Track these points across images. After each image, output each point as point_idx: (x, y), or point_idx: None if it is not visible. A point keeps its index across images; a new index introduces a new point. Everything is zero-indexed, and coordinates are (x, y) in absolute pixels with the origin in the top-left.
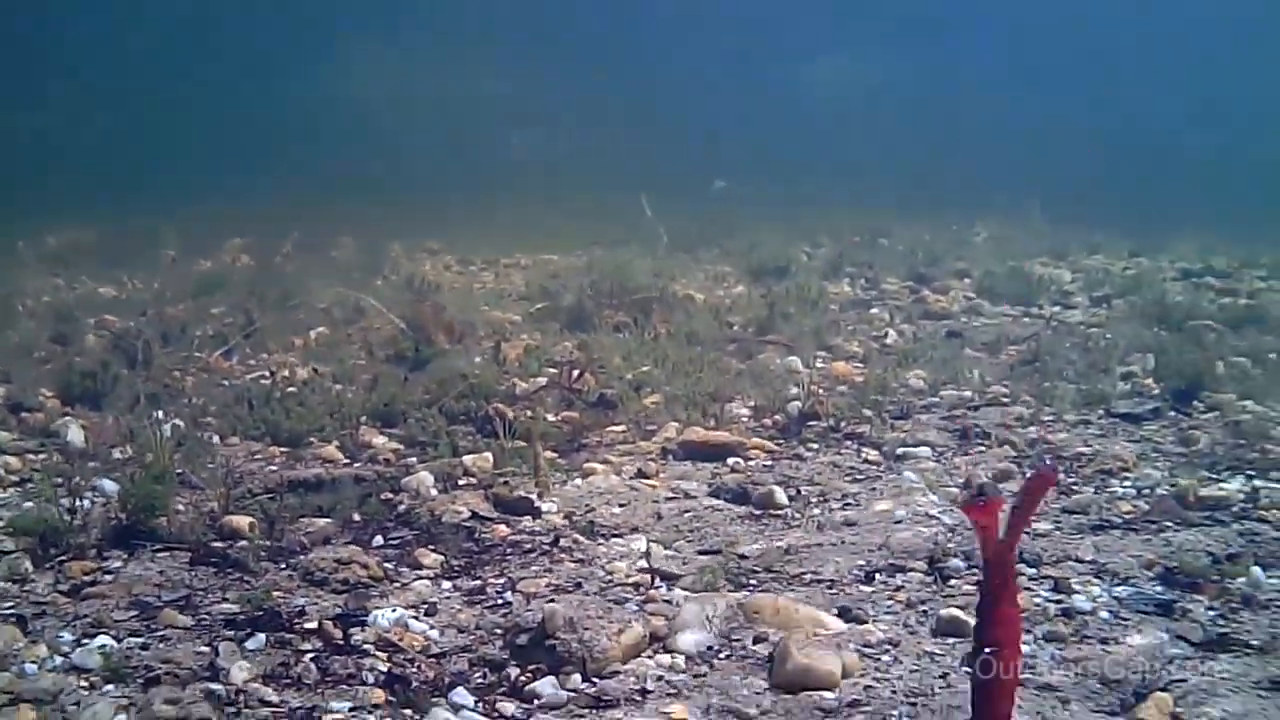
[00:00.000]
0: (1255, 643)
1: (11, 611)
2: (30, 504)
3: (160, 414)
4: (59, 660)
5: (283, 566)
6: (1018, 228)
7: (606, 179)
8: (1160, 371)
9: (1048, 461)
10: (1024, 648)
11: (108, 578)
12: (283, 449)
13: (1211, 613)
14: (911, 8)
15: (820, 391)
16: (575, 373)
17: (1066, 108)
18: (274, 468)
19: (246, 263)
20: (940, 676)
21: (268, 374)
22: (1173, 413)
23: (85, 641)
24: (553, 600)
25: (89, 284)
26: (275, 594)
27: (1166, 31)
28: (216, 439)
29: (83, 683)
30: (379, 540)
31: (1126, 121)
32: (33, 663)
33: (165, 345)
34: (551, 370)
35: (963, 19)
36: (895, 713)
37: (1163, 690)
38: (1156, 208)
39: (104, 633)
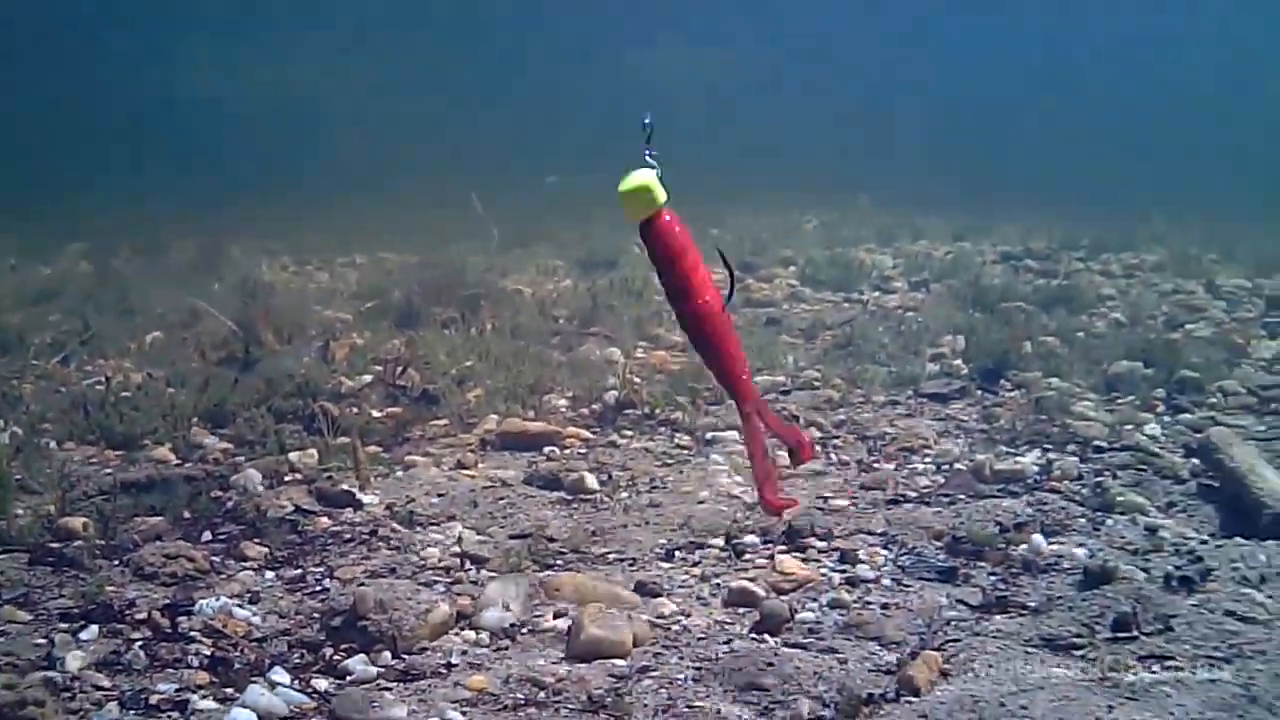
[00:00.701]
0: (1031, 604)
1: None
2: None
3: None
4: None
5: (116, 563)
6: (848, 215)
7: (445, 174)
8: (969, 352)
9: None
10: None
11: None
12: (117, 452)
13: (993, 578)
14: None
15: (637, 380)
16: (399, 369)
17: (901, 90)
18: (108, 470)
19: (85, 269)
20: (725, 643)
21: (102, 379)
22: (979, 391)
23: None
24: (364, 585)
25: None
26: (108, 588)
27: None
28: (54, 444)
29: None
30: (207, 535)
31: (956, 103)
32: None
33: (3, 354)
34: (378, 368)
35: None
36: (681, 676)
37: (936, 649)
38: (986, 191)
39: None
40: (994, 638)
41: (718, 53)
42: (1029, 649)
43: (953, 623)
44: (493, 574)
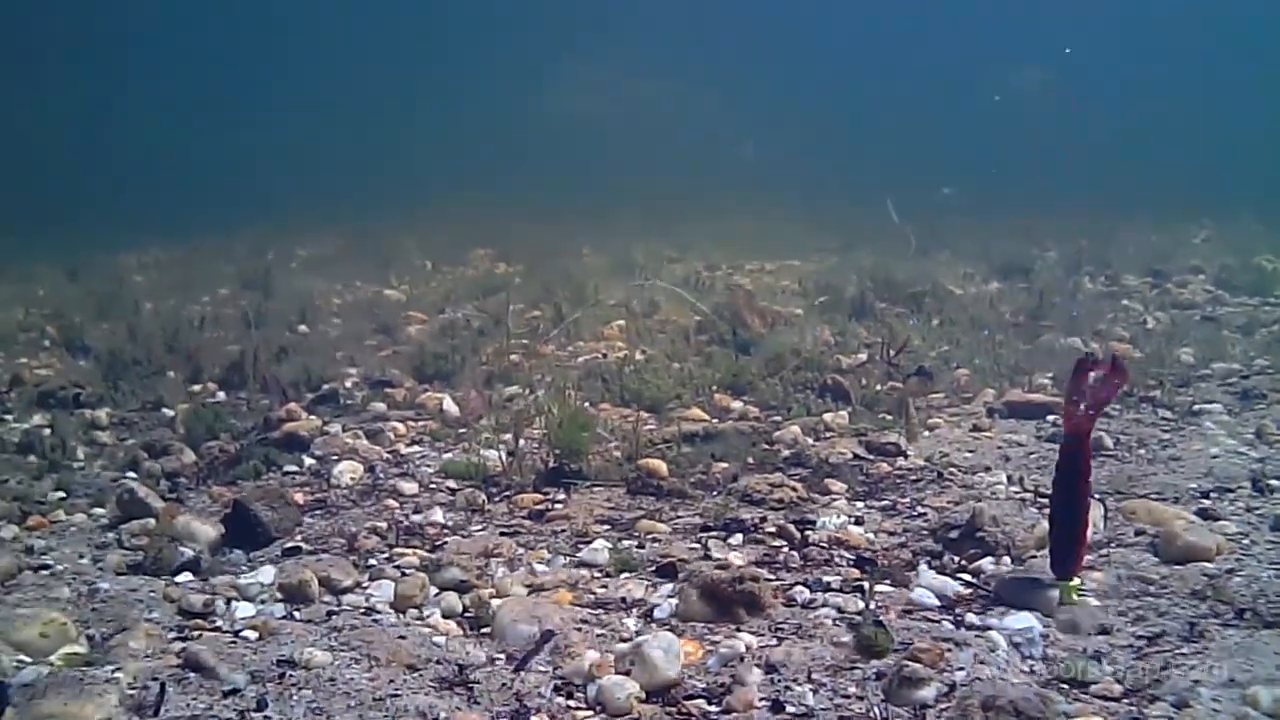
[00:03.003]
0: None
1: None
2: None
3: (527, 389)
4: (565, 560)
5: (716, 493)
6: (1236, 228)
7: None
8: None
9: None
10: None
11: (559, 506)
12: (649, 413)
13: None
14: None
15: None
16: (897, 350)
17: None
18: (651, 425)
19: (506, 269)
20: None
21: (601, 355)
22: None
23: (581, 546)
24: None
25: (367, 286)
26: (727, 509)
27: None
28: (589, 405)
29: (596, 573)
30: (779, 477)
31: None
32: (540, 563)
33: (481, 335)
34: (868, 349)
35: None
36: (1263, 575)
37: None
38: None
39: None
40: None
41: None
42: None
43: None
44: None
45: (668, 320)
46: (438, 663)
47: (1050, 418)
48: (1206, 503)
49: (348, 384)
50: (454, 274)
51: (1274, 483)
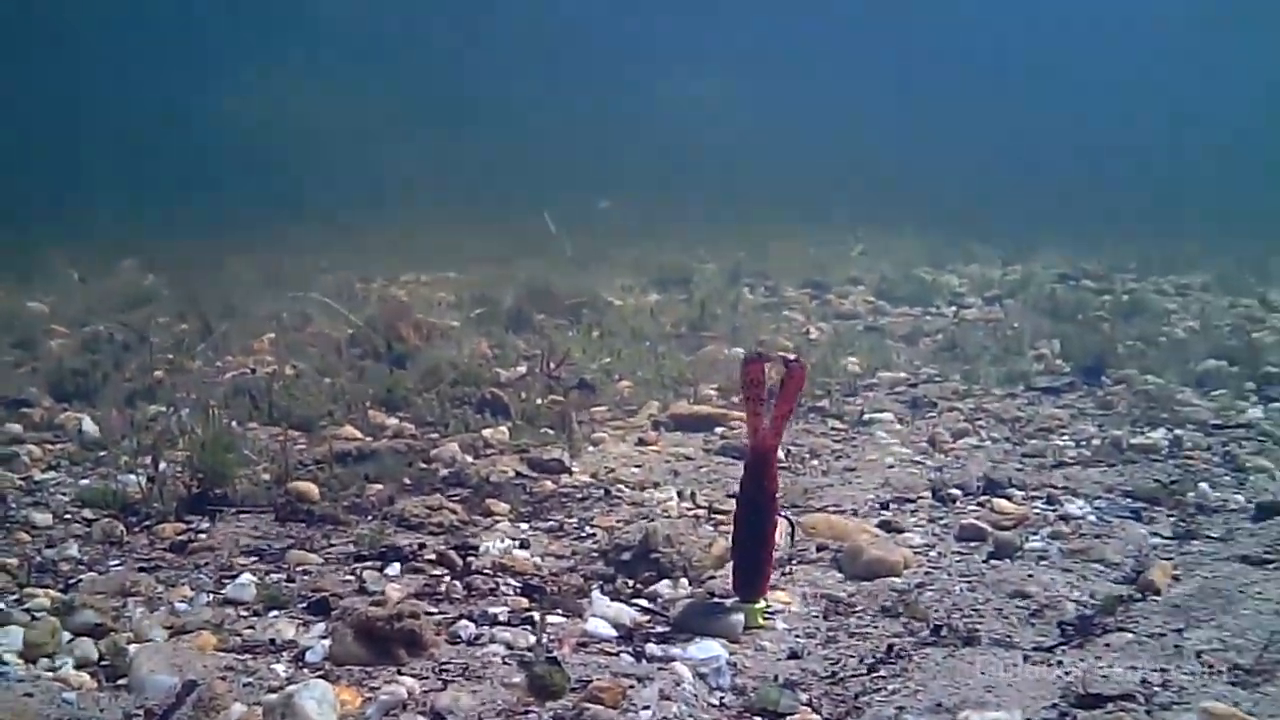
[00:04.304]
0: (1215, 535)
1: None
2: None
3: (170, 407)
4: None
5: (371, 518)
6: (892, 242)
7: (466, 196)
8: (1067, 352)
9: (798, 361)
10: (1019, 526)
11: (202, 536)
12: (299, 431)
13: (1172, 518)
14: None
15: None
16: (556, 363)
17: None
18: (300, 446)
19: (151, 281)
20: (983, 563)
21: (249, 370)
22: (1085, 385)
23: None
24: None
25: (7, 299)
26: (383, 536)
27: None
28: (235, 424)
29: (242, 611)
30: (438, 498)
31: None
32: (182, 601)
33: (126, 351)
34: (527, 361)
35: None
36: (956, 588)
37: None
38: (1018, 223)
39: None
40: (1198, 556)
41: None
42: (1232, 563)
43: (1158, 548)
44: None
45: (319, 334)
46: None
47: (718, 430)
48: (887, 514)
49: None
50: (103, 286)
51: (954, 491)
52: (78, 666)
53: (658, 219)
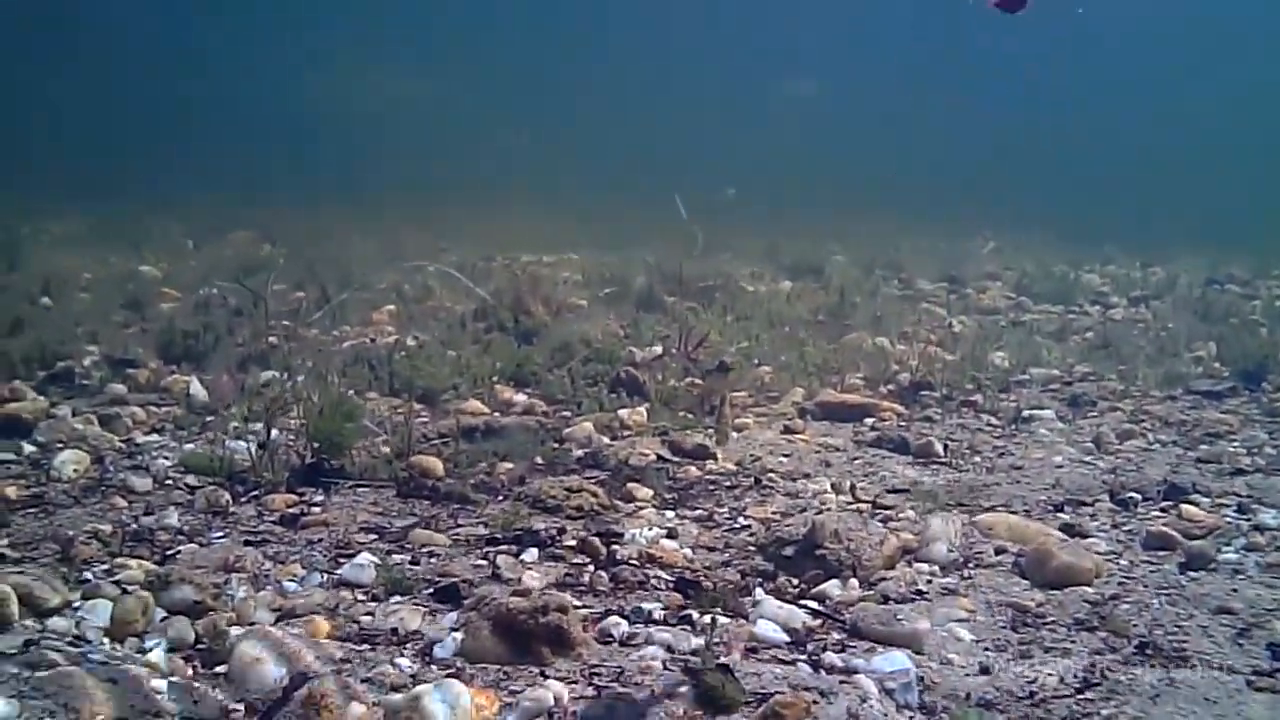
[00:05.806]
0: None
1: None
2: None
3: (285, 373)
4: (321, 577)
5: (503, 498)
6: (1021, 240)
7: (577, 183)
8: (1225, 356)
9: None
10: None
11: (316, 509)
12: (420, 404)
13: None
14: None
15: (923, 366)
16: (695, 344)
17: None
18: (422, 419)
19: (269, 250)
20: (1179, 574)
21: (369, 339)
22: (1247, 390)
23: (341, 559)
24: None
25: (122, 264)
26: (518, 518)
27: None
28: (353, 394)
29: (360, 595)
30: (574, 479)
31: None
32: (291, 581)
33: (239, 315)
34: (664, 341)
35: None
36: (1154, 602)
37: None
38: (1153, 225)
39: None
40: None
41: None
42: None
43: None
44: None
45: (441, 306)
46: (155, 716)
47: (868, 420)
48: (1065, 516)
49: (86, 362)
50: (218, 254)
51: (1134, 495)
52: (170, 649)
53: (786, 211)
